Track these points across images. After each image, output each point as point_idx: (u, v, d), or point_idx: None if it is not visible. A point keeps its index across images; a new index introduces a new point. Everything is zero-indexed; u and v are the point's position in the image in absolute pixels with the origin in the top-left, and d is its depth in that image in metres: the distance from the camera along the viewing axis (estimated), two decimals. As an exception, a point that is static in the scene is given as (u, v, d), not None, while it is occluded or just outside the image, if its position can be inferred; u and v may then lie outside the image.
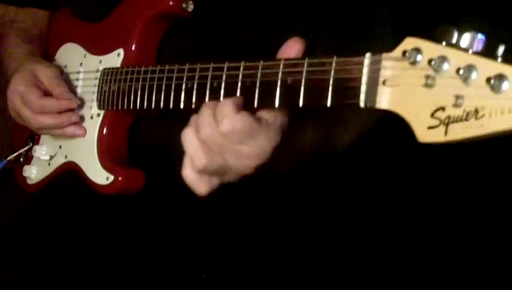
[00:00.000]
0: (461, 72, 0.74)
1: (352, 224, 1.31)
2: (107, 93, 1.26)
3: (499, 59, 0.72)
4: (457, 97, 0.74)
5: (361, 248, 1.29)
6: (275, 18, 1.25)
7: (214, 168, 0.97)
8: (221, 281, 1.27)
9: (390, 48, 0.82)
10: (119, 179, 1.25)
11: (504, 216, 1.44)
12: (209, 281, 1.27)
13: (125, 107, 1.21)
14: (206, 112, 0.96)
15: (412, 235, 1.34)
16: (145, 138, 1.33)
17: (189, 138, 0.97)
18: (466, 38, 0.76)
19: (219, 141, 0.95)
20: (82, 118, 1.32)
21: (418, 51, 0.78)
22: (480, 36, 0.76)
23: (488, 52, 0.74)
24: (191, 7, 1.21)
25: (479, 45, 0.75)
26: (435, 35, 0.78)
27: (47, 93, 1.30)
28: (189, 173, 0.99)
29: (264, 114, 0.97)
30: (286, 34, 1.23)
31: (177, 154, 1.33)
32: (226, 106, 0.95)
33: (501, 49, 0.73)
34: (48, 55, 1.47)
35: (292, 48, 0.96)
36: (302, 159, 1.19)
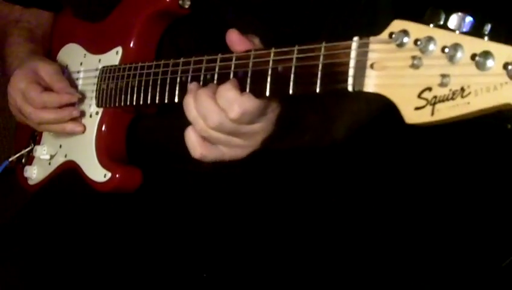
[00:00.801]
0: (446, 50, 0.73)
1: (351, 220, 1.30)
2: (105, 91, 1.27)
3: (485, 37, 0.72)
4: (443, 76, 0.73)
5: (362, 244, 1.28)
6: (276, 13, 1.25)
7: (217, 140, 0.98)
8: (221, 281, 1.26)
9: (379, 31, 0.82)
10: (117, 176, 1.25)
11: (501, 208, 1.42)
12: (209, 281, 1.25)
13: (122, 103, 1.22)
14: (207, 100, 0.96)
15: (412, 231, 1.32)
16: (144, 136, 1.33)
17: (188, 106, 0.98)
18: (454, 20, 0.75)
19: (230, 127, 0.96)
20: (81, 116, 1.32)
21: (405, 32, 0.78)
22: (468, 18, 0.75)
23: (475, 32, 0.73)
24: (187, 4, 1.21)
25: (466, 26, 0.75)
26: (422, 18, 0.78)
27: (48, 90, 1.31)
28: (191, 134, 1.00)
29: None
30: (288, 29, 1.24)
31: (176, 152, 1.34)
32: (229, 91, 0.94)
33: (487, 28, 0.72)
34: (50, 55, 1.48)
35: (234, 40, 0.98)
36: (300, 141, 1.18)
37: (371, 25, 1.23)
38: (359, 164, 1.41)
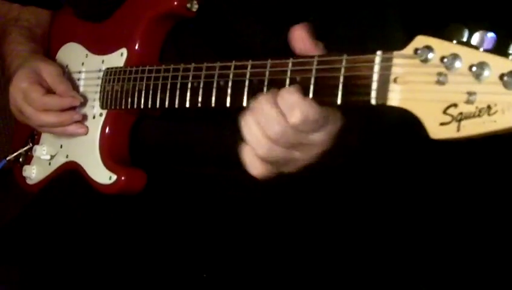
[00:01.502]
0: (474, 69, 0.74)
1: (355, 225, 1.32)
2: (110, 93, 1.26)
3: (511, 56, 0.73)
4: (470, 94, 0.75)
5: (363, 247, 1.29)
6: (281, 16, 1.25)
7: (277, 159, 0.93)
8: (221, 281, 1.27)
9: (401, 46, 0.83)
10: (122, 178, 1.24)
11: (505, 214, 1.45)
12: (209, 281, 1.26)
13: (129, 106, 1.22)
14: (267, 107, 0.90)
15: (414, 232, 1.35)
16: (146, 137, 1.33)
17: (248, 127, 0.92)
18: (476, 37, 0.77)
19: (292, 137, 0.90)
20: (84, 118, 1.31)
21: (429, 48, 0.79)
22: (490, 34, 0.77)
23: (499, 50, 0.75)
24: (195, 7, 1.21)
25: (489, 43, 0.76)
26: (444, 34, 0.79)
27: (49, 91, 1.30)
28: (248, 154, 0.94)
29: None
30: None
31: (179, 154, 1.35)
32: (292, 94, 0.89)
33: (512, 47, 0.74)
34: (49, 54, 1.47)
35: (298, 36, 0.93)
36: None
37: (379, 26, 1.25)
38: (358, 165, 1.43)
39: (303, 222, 1.33)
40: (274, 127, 0.90)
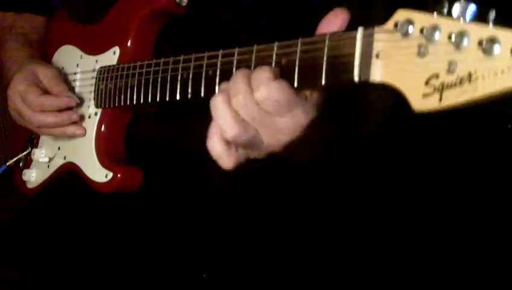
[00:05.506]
0: (453, 38, 0.74)
1: (352, 220, 1.31)
2: (103, 91, 1.27)
3: (490, 24, 0.73)
4: (450, 63, 0.74)
5: (362, 245, 1.28)
6: (271, 14, 1.26)
7: (244, 139, 0.92)
8: (221, 281, 1.26)
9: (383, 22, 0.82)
10: (118, 176, 1.25)
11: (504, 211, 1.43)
12: (209, 281, 1.26)
13: (122, 103, 1.22)
14: (240, 79, 0.91)
15: (413, 232, 1.33)
16: (143, 136, 1.34)
17: (219, 105, 0.91)
18: (457, 8, 0.77)
19: (254, 111, 0.90)
20: (80, 118, 1.32)
21: (409, 22, 0.79)
22: (471, 5, 0.76)
23: (479, 19, 0.74)
24: (184, 2, 1.22)
25: (470, 14, 0.76)
26: (425, 8, 0.79)
27: (47, 93, 1.31)
28: (216, 144, 0.93)
29: None
30: (282, 30, 1.24)
31: (176, 152, 1.35)
32: (263, 72, 0.89)
33: (492, 15, 0.73)
34: (46, 58, 1.48)
35: (335, 20, 0.90)
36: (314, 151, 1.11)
37: (364, 14, 1.24)
38: (357, 163, 1.42)
39: (302, 221, 1.32)
40: (238, 96, 0.90)
